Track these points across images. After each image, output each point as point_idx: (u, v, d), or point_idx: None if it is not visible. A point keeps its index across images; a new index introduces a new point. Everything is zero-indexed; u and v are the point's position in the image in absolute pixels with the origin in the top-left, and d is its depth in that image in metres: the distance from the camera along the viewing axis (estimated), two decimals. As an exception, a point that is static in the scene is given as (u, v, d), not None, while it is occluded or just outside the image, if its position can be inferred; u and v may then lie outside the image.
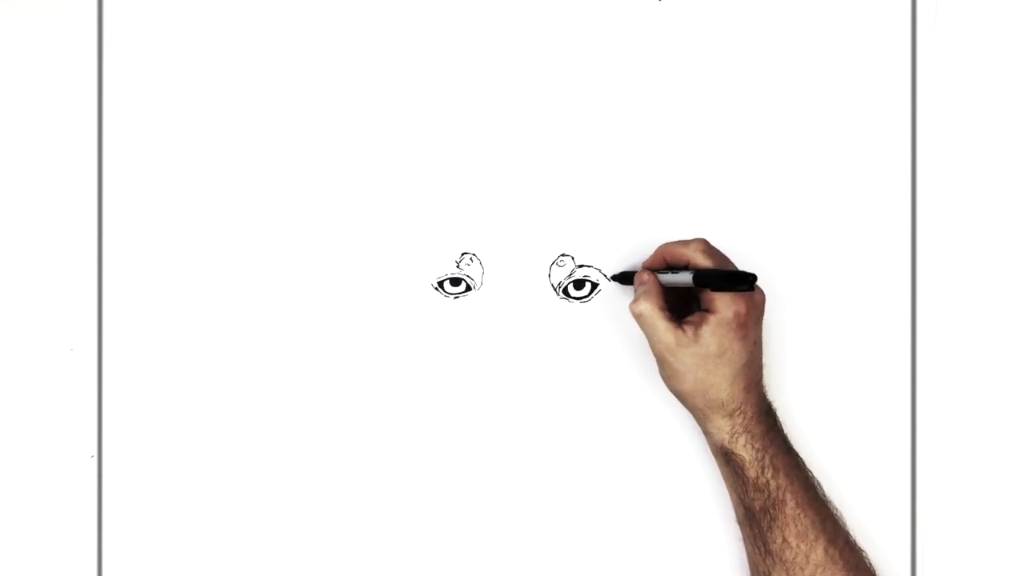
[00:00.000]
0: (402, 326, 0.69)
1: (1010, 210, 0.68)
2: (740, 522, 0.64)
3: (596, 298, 0.68)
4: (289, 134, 0.69)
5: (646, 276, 0.64)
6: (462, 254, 0.69)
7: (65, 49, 0.69)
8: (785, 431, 0.64)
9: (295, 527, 0.69)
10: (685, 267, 0.63)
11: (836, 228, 0.68)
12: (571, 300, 0.69)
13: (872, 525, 0.68)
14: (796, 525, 0.60)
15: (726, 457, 0.62)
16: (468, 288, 0.69)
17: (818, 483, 0.63)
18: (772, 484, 0.61)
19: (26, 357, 0.69)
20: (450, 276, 0.69)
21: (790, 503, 0.61)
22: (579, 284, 0.68)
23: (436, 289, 0.69)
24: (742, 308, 0.60)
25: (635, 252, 0.68)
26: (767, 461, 0.61)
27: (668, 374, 0.62)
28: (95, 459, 0.69)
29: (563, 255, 0.68)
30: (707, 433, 0.63)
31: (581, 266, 0.68)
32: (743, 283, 0.60)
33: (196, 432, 0.69)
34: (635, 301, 0.62)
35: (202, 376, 0.69)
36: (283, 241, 0.69)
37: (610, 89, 0.69)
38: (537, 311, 0.69)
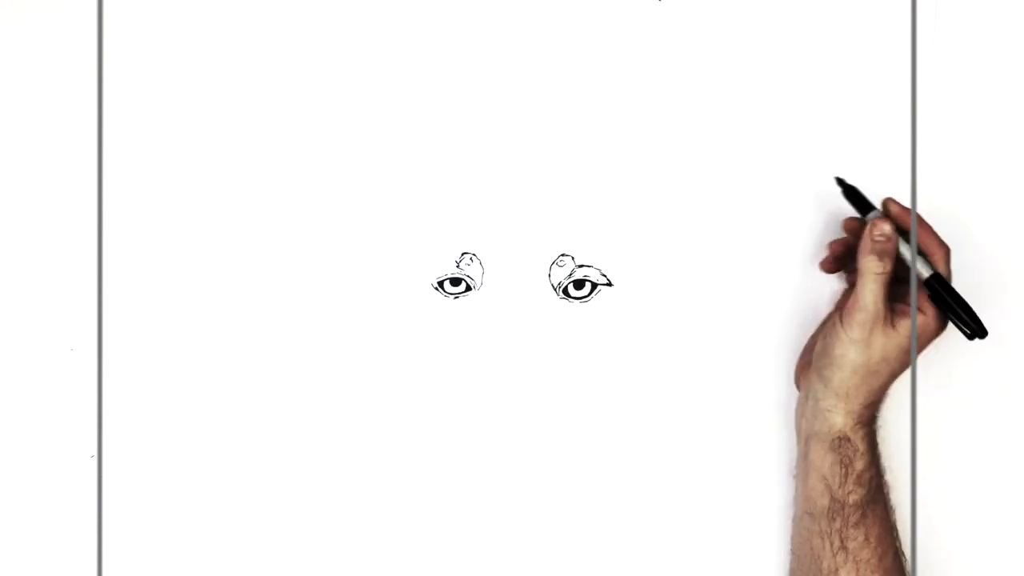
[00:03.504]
0: (402, 326, 0.69)
1: (1010, 210, 0.68)
2: (814, 514, 0.62)
3: (596, 298, 0.68)
4: (289, 134, 0.69)
5: (892, 232, 0.60)
6: (462, 254, 0.69)
7: (65, 49, 0.69)
8: None
9: (295, 527, 0.69)
10: (920, 251, 0.61)
11: (837, 228, 0.68)
12: (571, 300, 0.69)
13: (872, 525, 0.68)
14: (880, 527, 0.60)
15: (837, 443, 0.61)
16: (468, 288, 0.69)
17: None
18: (875, 482, 0.61)
19: (26, 357, 0.69)
20: (450, 276, 0.69)
21: (882, 504, 0.61)
22: (579, 284, 0.68)
23: (436, 289, 0.69)
24: (940, 328, 0.61)
25: (635, 252, 0.68)
26: (873, 458, 0.61)
27: (847, 339, 0.60)
28: (95, 459, 0.69)
29: (563, 255, 0.68)
30: (825, 412, 0.61)
31: (581, 266, 0.68)
32: (969, 329, 0.60)
33: (196, 432, 0.69)
34: (877, 258, 0.60)
35: (202, 376, 0.69)
36: (283, 241, 0.69)
37: (610, 89, 0.69)
38: (537, 311, 0.69)
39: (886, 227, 0.60)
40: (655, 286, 0.68)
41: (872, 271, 0.60)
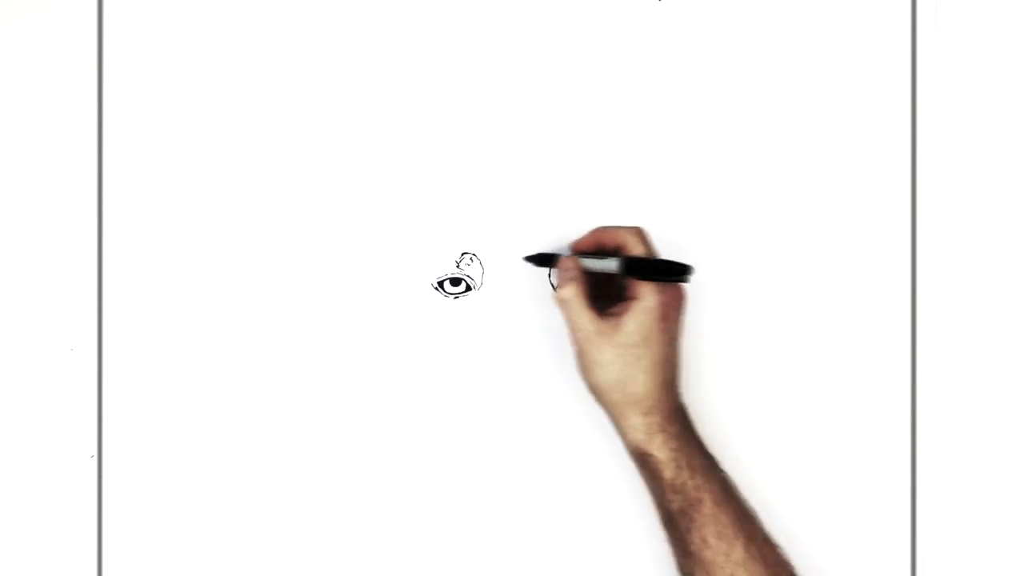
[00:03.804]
0: (402, 326, 0.69)
1: (1010, 210, 0.68)
2: (663, 525, 0.63)
3: (596, 298, 0.68)
4: (289, 134, 0.69)
5: (571, 262, 0.63)
6: (462, 254, 0.69)
7: (65, 49, 0.69)
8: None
9: (295, 526, 0.69)
10: (614, 252, 0.62)
11: (837, 228, 0.68)
12: (571, 300, 0.68)
13: (872, 525, 0.68)
14: (715, 524, 0.60)
15: (642, 459, 0.61)
16: (468, 288, 0.69)
17: (734, 482, 0.62)
18: (689, 484, 0.60)
19: (26, 357, 0.69)
20: (450, 276, 0.69)
21: (708, 503, 0.60)
22: (579, 284, 0.68)
23: (436, 289, 0.69)
24: (666, 299, 0.60)
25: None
26: (683, 461, 0.60)
27: (586, 365, 0.62)
28: (95, 459, 0.69)
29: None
30: (622, 433, 0.62)
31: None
32: (677, 273, 0.59)
33: (196, 432, 0.69)
34: (560, 287, 0.62)
35: (202, 376, 0.69)
36: (283, 241, 0.69)
37: (610, 89, 0.69)
38: (537, 311, 0.69)
39: (567, 262, 0.63)
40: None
41: (566, 298, 0.61)
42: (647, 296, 0.60)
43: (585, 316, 0.61)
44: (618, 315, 0.60)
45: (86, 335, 0.69)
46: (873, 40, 0.68)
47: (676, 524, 0.61)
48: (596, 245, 0.64)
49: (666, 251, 0.68)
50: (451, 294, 0.69)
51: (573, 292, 0.61)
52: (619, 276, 0.62)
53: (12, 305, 0.69)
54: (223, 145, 0.69)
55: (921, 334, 0.68)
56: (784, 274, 0.68)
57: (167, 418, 0.69)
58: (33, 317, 0.69)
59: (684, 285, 0.62)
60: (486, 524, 0.69)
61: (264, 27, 0.69)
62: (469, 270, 0.69)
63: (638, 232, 0.62)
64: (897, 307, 0.68)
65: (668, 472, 0.60)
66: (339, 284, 0.69)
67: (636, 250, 0.62)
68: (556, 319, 0.68)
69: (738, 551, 0.59)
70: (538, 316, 0.68)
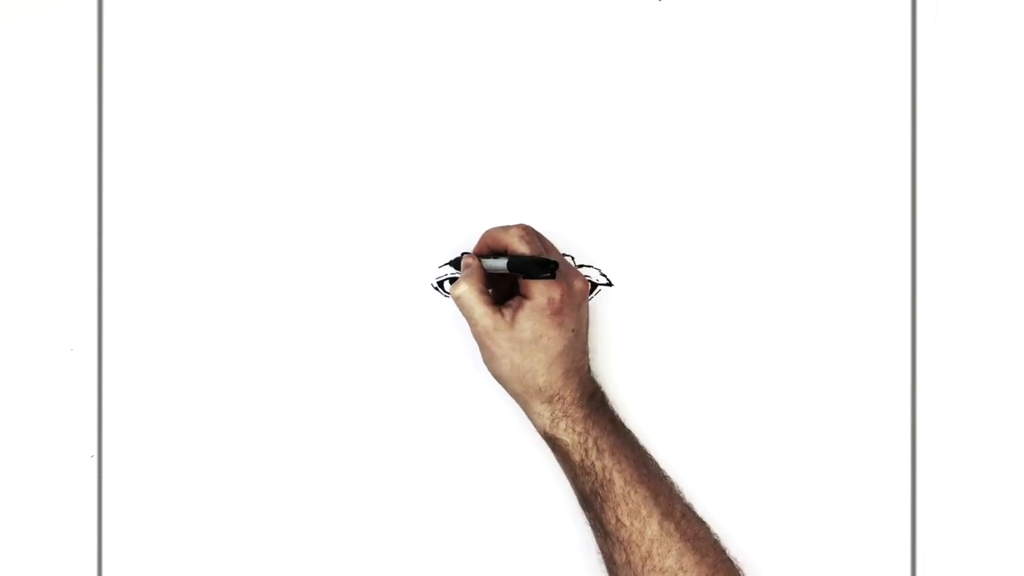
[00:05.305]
0: (402, 326, 0.69)
1: (1010, 210, 0.68)
2: (581, 507, 0.64)
3: (596, 298, 0.68)
4: (289, 134, 0.69)
5: (470, 260, 0.64)
6: (462, 254, 0.69)
7: (65, 49, 0.69)
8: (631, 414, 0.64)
9: (295, 527, 0.69)
10: (504, 252, 0.63)
11: (838, 227, 0.68)
12: (571, 300, 0.69)
13: (872, 525, 0.68)
14: (627, 504, 0.61)
15: (552, 443, 0.63)
16: (468, 288, 0.69)
17: (652, 460, 0.63)
18: (597, 465, 0.61)
19: (26, 357, 0.69)
20: (450, 276, 0.69)
21: (618, 482, 0.61)
22: (579, 284, 0.68)
23: (436, 289, 0.69)
24: (556, 295, 0.61)
25: (636, 252, 0.68)
26: (590, 443, 0.62)
27: (487, 358, 0.63)
28: (95, 459, 0.69)
29: (563, 255, 0.68)
30: (531, 419, 0.64)
31: (581, 266, 0.68)
32: (544, 270, 0.60)
33: (196, 432, 0.69)
34: (455, 284, 0.63)
35: (202, 376, 0.69)
36: (283, 241, 0.69)
37: (610, 89, 0.69)
38: (537, 311, 0.68)
39: (466, 260, 0.64)
40: (655, 286, 0.68)
41: (459, 294, 0.62)
42: (537, 294, 0.61)
43: (480, 310, 0.61)
44: (514, 310, 0.61)
45: (86, 335, 0.69)
46: (873, 40, 0.68)
47: (591, 504, 0.62)
48: (488, 248, 0.64)
49: (669, 251, 0.68)
50: (451, 294, 0.69)
51: (466, 288, 0.62)
52: (511, 275, 0.62)
53: (12, 305, 0.69)
54: (223, 145, 0.69)
55: (921, 334, 0.68)
56: (784, 274, 0.68)
57: (167, 418, 0.69)
58: (33, 317, 0.69)
59: (585, 276, 0.64)
60: (485, 524, 0.69)
61: (264, 27, 0.69)
62: (469, 270, 0.68)
63: (521, 230, 0.63)
64: (896, 307, 0.68)
65: (576, 455, 0.62)
66: (339, 284, 0.69)
67: (520, 249, 0.62)
68: (556, 319, 0.69)
69: (653, 528, 0.60)
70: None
